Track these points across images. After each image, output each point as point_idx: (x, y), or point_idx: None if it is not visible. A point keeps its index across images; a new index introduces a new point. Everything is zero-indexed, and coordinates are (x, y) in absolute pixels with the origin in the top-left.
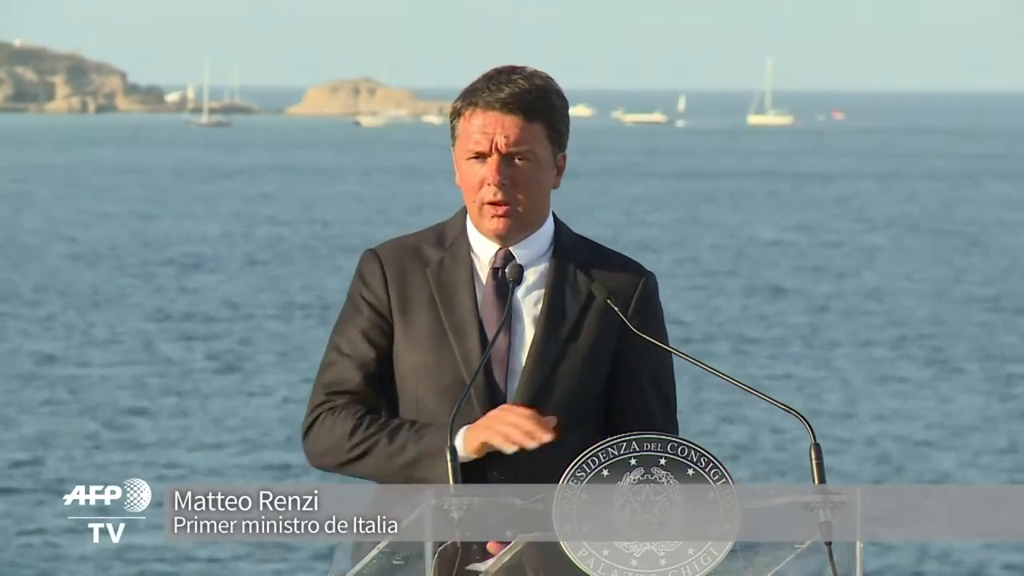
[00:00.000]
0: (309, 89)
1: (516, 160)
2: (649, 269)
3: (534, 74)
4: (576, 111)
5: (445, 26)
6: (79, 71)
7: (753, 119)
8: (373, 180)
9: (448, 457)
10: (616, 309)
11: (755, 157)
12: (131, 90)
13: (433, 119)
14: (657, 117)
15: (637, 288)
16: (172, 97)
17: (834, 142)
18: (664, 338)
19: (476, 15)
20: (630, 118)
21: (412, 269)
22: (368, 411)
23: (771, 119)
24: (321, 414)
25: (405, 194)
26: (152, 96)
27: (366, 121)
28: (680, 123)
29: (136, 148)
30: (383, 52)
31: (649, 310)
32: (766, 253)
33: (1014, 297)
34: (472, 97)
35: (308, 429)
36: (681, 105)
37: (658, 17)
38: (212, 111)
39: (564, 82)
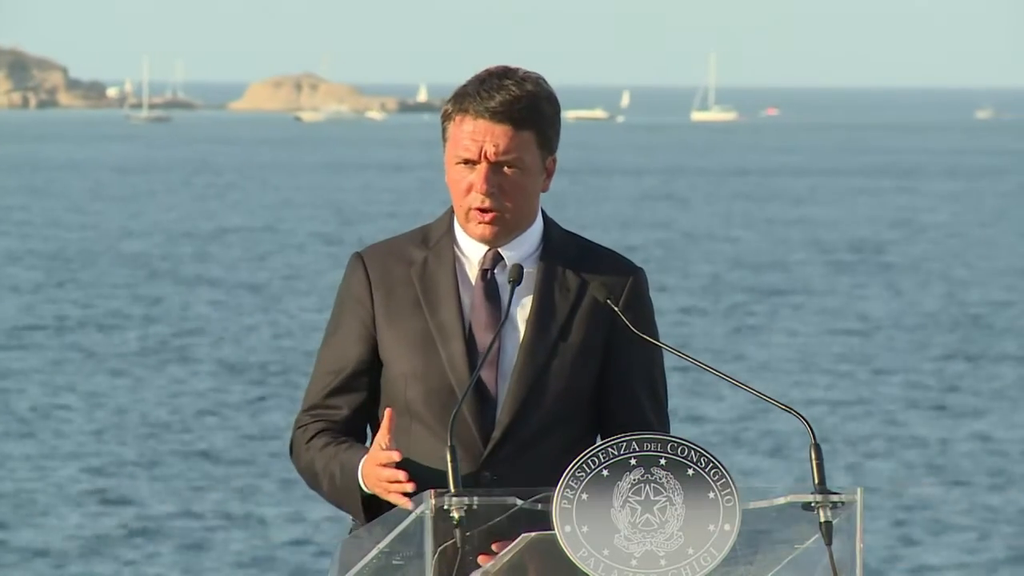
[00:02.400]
0: (251, 84)
1: (505, 168)
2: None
3: (525, 78)
4: None
5: (389, 22)
6: (20, 66)
7: (697, 115)
8: (295, 174)
9: (448, 457)
10: (618, 311)
11: (691, 153)
12: (73, 85)
13: (375, 115)
14: (598, 113)
15: (627, 285)
16: (112, 92)
17: (765, 139)
18: (655, 333)
19: (419, 10)
20: (572, 114)
21: (397, 271)
22: (326, 428)
23: (715, 115)
24: (296, 435)
25: (330, 188)
26: (94, 91)
27: (307, 116)
28: (620, 119)
29: (69, 144)
30: (327, 48)
31: (640, 306)
32: (718, 249)
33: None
34: (463, 102)
35: (290, 448)
36: (625, 101)
37: (601, 12)
38: (154, 106)
39: None
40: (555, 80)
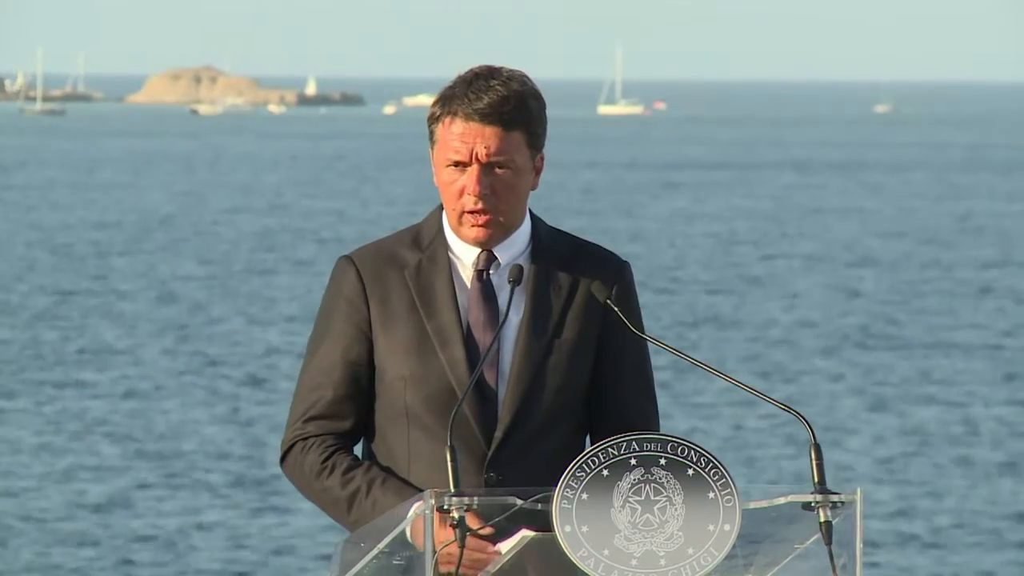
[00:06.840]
0: (150, 77)
1: (496, 169)
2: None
3: (511, 78)
4: (419, 100)
5: (290, 15)
6: None
7: (603, 109)
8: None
9: (448, 456)
10: (617, 311)
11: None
12: None
13: (275, 108)
14: None
15: (616, 280)
16: (10, 84)
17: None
18: (642, 325)
19: (315, 3)
20: None
21: (390, 274)
22: (339, 447)
23: (621, 109)
24: (294, 445)
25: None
26: None
27: (203, 109)
28: None
29: None
30: (227, 41)
31: (629, 300)
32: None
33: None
34: (451, 105)
35: (283, 457)
36: None
37: (504, 4)
38: (52, 99)
39: (410, 71)
40: (454, 73)
